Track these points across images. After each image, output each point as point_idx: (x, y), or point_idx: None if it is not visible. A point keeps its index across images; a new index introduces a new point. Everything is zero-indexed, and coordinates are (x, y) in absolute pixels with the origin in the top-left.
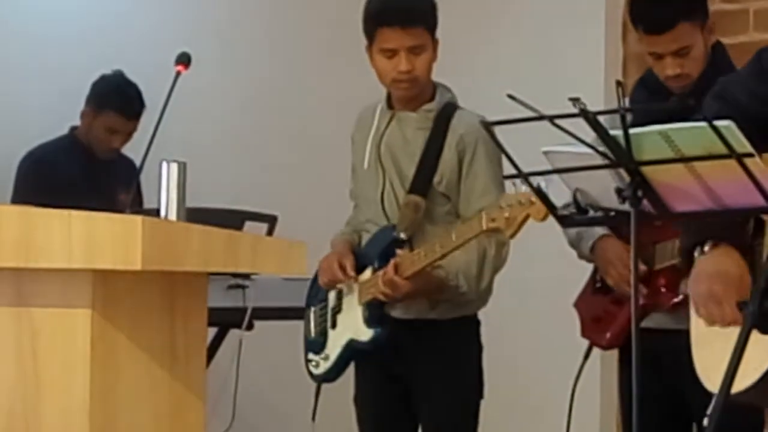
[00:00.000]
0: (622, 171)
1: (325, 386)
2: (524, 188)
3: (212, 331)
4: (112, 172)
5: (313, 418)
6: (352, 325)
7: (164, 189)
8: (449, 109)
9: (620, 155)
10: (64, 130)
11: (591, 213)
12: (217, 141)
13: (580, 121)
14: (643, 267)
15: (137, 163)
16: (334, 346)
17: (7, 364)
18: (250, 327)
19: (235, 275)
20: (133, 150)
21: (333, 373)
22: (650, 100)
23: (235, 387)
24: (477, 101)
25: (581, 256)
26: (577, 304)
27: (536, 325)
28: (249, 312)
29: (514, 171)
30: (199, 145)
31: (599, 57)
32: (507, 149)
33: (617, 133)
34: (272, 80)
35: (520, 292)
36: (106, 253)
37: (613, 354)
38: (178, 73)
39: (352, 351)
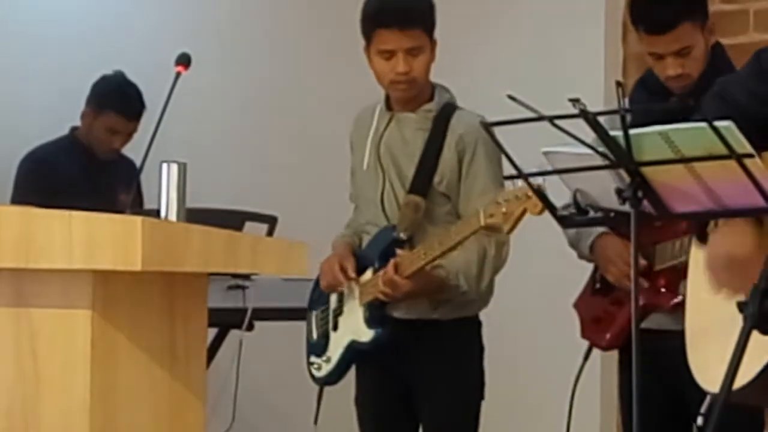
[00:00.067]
0: (622, 171)
1: (326, 388)
2: (520, 183)
3: (212, 332)
4: (112, 172)
5: (315, 422)
6: (353, 327)
7: (164, 189)
8: (448, 110)
9: (620, 156)
10: (64, 131)
11: (591, 214)
12: (217, 141)
13: (580, 122)
14: (643, 261)
15: (137, 163)
16: (336, 348)
17: (6, 365)
18: (250, 327)
19: (235, 276)
20: (133, 150)
21: (335, 376)
22: (649, 100)
23: (235, 387)
24: (476, 101)
25: (581, 255)
26: (577, 305)
27: (536, 325)
28: (249, 312)
29: (514, 171)
30: (199, 146)
31: (599, 57)
32: (507, 149)
33: (617, 133)
34: (272, 80)
35: (520, 292)
36: (107, 254)
37: (613, 354)
38: (178, 74)
39: (353, 352)
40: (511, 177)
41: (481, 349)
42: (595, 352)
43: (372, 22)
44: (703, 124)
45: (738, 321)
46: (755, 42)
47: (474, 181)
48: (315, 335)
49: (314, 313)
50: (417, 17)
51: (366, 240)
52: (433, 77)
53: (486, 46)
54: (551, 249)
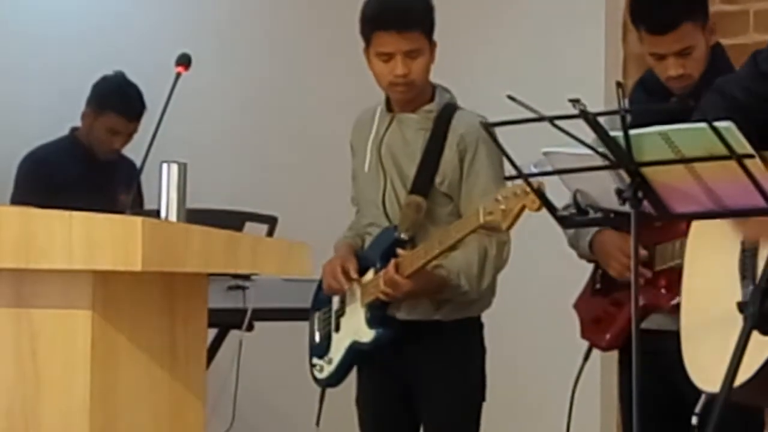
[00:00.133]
0: (622, 172)
1: (328, 390)
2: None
3: (212, 332)
4: (112, 173)
5: (317, 424)
6: (354, 327)
7: (164, 190)
8: (449, 110)
9: (620, 156)
10: (64, 131)
11: (591, 214)
12: (217, 141)
13: (580, 122)
14: (643, 252)
15: (138, 163)
16: (338, 350)
17: (6, 365)
18: (250, 328)
19: (235, 276)
20: (133, 151)
21: (336, 377)
22: (649, 101)
23: (235, 388)
24: (476, 102)
25: (581, 254)
26: (577, 305)
27: (536, 325)
28: (249, 313)
29: (514, 171)
30: (199, 146)
31: (599, 57)
32: (507, 150)
33: (617, 134)
34: (272, 80)
35: (520, 292)
36: (107, 254)
37: (613, 355)
38: (179, 74)
39: (354, 353)
40: (511, 177)
41: (483, 350)
42: (595, 352)
43: (371, 25)
44: (704, 125)
45: (734, 319)
46: (755, 42)
47: (475, 180)
48: (317, 337)
49: (317, 314)
50: (415, 20)
51: (368, 241)
52: (434, 77)
53: (486, 46)
54: (551, 250)
